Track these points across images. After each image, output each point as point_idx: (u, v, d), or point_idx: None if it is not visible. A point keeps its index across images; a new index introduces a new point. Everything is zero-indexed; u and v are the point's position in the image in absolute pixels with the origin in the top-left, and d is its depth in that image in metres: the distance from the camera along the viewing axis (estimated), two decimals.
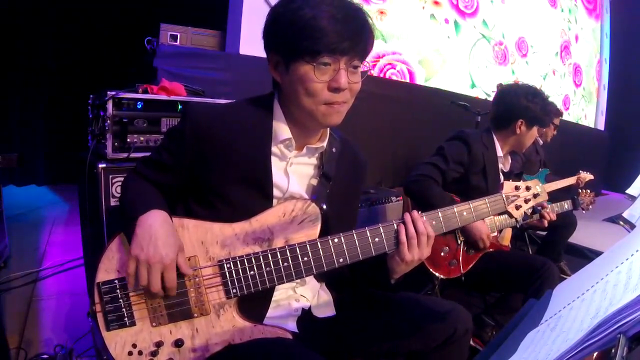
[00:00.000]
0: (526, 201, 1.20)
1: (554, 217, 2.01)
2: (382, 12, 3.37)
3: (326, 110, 0.98)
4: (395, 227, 1.03)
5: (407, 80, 3.74)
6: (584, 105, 6.73)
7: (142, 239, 0.91)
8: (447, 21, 4.07)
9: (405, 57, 3.50)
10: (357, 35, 0.94)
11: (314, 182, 1.11)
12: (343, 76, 0.95)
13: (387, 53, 3.31)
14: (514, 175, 2.13)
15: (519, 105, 1.98)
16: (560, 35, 5.65)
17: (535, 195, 1.20)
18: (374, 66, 3.39)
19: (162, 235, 0.92)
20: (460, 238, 1.93)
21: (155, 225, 0.93)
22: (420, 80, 3.79)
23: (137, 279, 0.92)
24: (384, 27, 3.35)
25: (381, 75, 3.56)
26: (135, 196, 1.03)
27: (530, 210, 1.21)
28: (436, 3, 3.84)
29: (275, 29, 0.99)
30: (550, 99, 2.07)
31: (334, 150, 1.14)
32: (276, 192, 1.06)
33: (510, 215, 1.20)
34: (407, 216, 1.02)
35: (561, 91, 6.07)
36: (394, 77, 3.43)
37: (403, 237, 1.01)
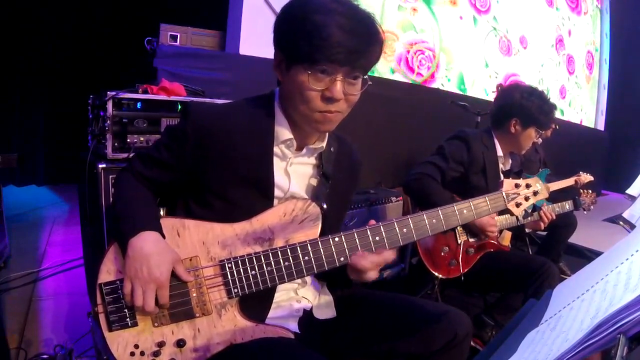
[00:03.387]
0: (526, 199, 1.19)
1: (553, 216, 2.01)
2: (414, 9, 4.17)
3: (320, 117, 0.98)
4: (396, 226, 1.03)
5: (433, 63, 4.45)
6: (578, 93, 6.79)
7: (135, 260, 0.92)
8: (461, 18, 4.73)
9: (431, 45, 4.34)
10: (361, 48, 0.92)
11: (314, 181, 1.12)
12: (338, 87, 0.93)
13: (417, 41, 4.14)
14: (514, 173, 2.12)
15: (514, 102, 1.96)
16: (555, 30, 6.03)
17: (535, 193, 1.20)
18: (407, 52, 4.17)
19: (154, 255, 0.92)
20: (461, 238, 1.93)
21: (146, 247, 0.93)
22: (442, 64, 4.53)
23: (133, 298, 0.92)
24: (416, 20, 4.15)
25: (412, 58, 4.20)
26: (127, 208, 1.00)
27: (530, 208, 1.21)
28: (453, 3, 4.65)
29: (283, 28, 0.98)
30: (549, 99, 2.02)
31: (332, 149, 1.14)
32: (277, 193, 1.06)
33: (511, 213, 1.19)
34: (354, 259, 0.99)
35: (557, 77, 6.24)
36: (423, 61, 4.26)
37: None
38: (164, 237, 0.98)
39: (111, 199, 1.55)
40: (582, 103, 6.91)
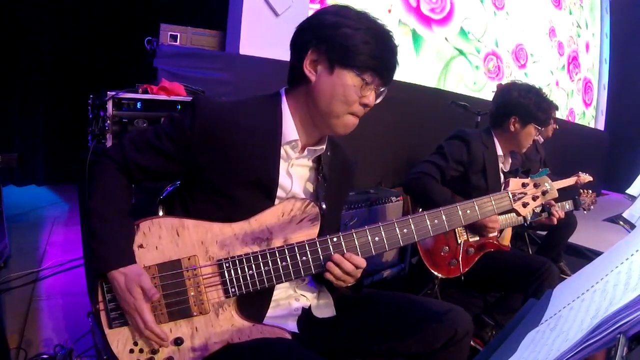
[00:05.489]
0: (534, 198, 1.16)
1: (562, 214, 2.00)
2: None
3: (349, 120, 1.04)
4: (396, 227, 1.03)
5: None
6: (591, 120, 6.39)
7: (117, 295, 0.95)
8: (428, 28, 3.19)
9: None
10: (394, 68, 1.05)
11: (311, 184, 1.13)
12: (373, 97, 1.04)
13: None
14: (521, 172, 2.10)
15: (511, 100, 1.96)
16: (567, 44, 4.51)
17: (544, 193, 1.16)
18: None
19: (121, 289, 0.94)
20: (461, 238, 1.93)
21: (116, 283, 0.94)
22: None
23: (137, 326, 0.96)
24: None
25: None
26: (99, 231, 0.97)
27: (539, 208, 1.17)
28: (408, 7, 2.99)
29: (333, 34, 1.00)
30: (547, 96, 2.01)
31: (328, 153, 1.15)
32: (280, 193, 1.06)
33: (518, 214, 1.15)
34: (331, 264, 0.98)
35: (567, 107, 5.43)
36: None
37: (332, 278, 0.99)
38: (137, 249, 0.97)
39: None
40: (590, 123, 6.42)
